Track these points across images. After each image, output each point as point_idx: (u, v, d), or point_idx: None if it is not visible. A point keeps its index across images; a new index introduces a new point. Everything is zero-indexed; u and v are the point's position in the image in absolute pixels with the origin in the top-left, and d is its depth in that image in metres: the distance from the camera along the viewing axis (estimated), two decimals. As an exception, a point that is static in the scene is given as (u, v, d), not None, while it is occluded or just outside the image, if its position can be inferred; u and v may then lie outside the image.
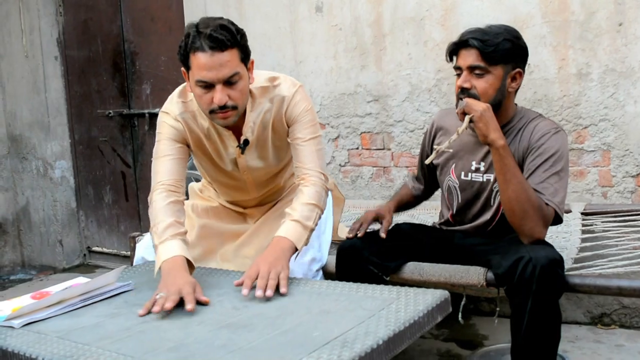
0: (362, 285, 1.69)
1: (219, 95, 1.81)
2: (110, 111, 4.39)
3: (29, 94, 4.62)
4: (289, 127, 2.05)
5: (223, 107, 1.83)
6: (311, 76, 3.43)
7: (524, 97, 2.84)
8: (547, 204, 1.88)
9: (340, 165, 3.43)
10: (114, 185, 4.52)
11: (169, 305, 1.57)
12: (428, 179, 2.34)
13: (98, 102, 4.50)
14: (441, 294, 1.56)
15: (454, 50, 2.01)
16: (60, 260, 4.69)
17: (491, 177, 2.05)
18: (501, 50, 1.92)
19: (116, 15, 4.29)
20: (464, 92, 1.96)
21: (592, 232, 2.48)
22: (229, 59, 1.80)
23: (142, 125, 4.27)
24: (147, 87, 4.21)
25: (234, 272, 1.95)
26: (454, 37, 2.04)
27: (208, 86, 1.82)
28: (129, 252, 2.61)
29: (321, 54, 3.38)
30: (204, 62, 1.78)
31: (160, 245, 1.83)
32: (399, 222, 2.32)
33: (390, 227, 2.15)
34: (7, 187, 4.80)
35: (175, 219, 1.89)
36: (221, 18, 1.87)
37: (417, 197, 2.40)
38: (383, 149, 3.29)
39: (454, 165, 2.14)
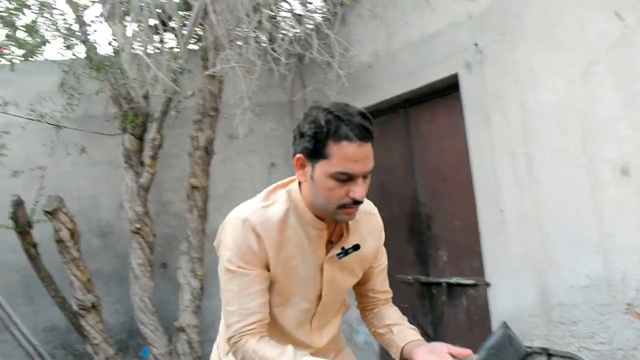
0: None
1: (361, 190, 1.61)
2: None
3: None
4: (373, 256, 1.89)
5: (358, 202, 1.63)
6: (624, 252, 2.71)
7: None
8: None
9: None
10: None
11: None
12: None
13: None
14: None
15: None
16: None
17: None
18: None
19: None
20: None
21: None
22: (372, 151, 1.61)
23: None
24: (443, 254, 3.90)
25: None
26: None
27: (348, 179, 1.60)
28: None
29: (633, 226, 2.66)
30: (352, 152, 1.57)
31: None
32: None
33: None
34: None
35: (287, 347, 1.68)
36: (348, 105, 1.63)
37: None
38: None
39: None
